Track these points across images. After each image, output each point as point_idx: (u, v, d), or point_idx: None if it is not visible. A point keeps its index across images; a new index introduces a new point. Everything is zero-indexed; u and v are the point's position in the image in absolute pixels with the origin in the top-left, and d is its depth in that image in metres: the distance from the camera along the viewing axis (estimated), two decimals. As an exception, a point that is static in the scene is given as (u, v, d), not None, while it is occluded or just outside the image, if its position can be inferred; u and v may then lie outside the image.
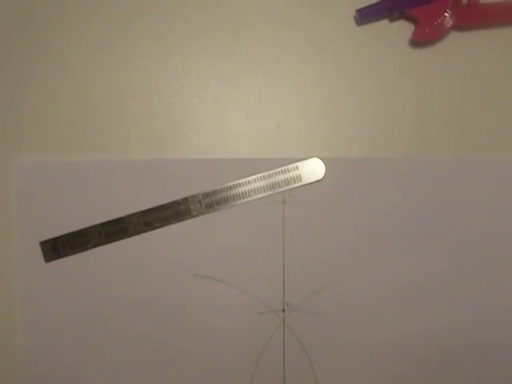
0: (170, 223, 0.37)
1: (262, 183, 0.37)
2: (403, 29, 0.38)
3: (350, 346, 0.37)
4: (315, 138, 0.38)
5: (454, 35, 0.38)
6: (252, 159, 0.37)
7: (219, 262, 0.37)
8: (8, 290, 0.37)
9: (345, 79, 0.38)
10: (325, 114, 0.38)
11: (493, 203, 0.37)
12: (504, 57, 0.38)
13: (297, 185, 0.37)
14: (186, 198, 0.37)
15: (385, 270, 0.37)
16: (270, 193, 0.37)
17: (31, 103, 0.37)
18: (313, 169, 0.37)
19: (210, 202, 0.37)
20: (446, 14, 0.36)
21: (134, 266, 0.37)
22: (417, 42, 0.37)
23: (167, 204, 0.37)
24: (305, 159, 0.37)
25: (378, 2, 0.37)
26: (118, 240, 0.37)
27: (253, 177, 0.37)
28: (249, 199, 0.37)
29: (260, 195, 0.37)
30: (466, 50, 0.38)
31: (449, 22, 0.36)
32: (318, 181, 0.37)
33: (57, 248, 0.37)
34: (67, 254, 0.37)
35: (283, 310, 0.37)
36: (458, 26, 0.37)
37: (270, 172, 0.37)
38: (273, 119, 0.38)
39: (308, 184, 0.37)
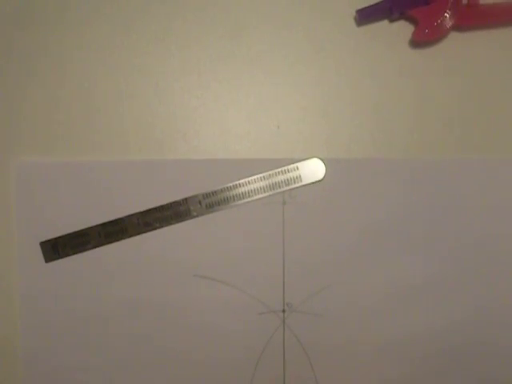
0: (170, 224, 0.37)
1: (262, 184, 0.37)
2: (403, 29, 0.38)
3: (350, 346, 0.37)
4: (315, 138, 0.38)
5: (454, 35, 0.38)
6: (252, 159, 0.37)
7: (219, 262, 0.37)
8: (8, 291, 0.37)
9: (345, 79, 0.38)
10: (325, 115, 0.38)
11: (493, 204, 0.37)
12: (504, 57, 0.38)
13: (297, 185, 0.37)
14: (185, 199, 0.37)
15: (385, 270, 0.37)
16: (270, 193, 0.37)
17: (31, 103, 0.37)
18: (313, 169, 0.37)
19: (210, 202, 0.37)
20: (445, 14, 0.36)
21: (133, 267, 0.37)
22: (417, 42, 0.37)
23: (167, 204, 0.37)
24: (305, 160, 0.37)
25: (378, 3, 0.37)
26: (117, 240, 0.37)
27: (253, 177, 0.37)
28: (249, 200, 0.37)
29: (260, 196, 0.37)
30: (466, 51, 0.38)
31: (448, 23, 0.36)
32: (318, 181, 0.37)
33: (57, 248, 0.37)
34: (67, 255, 0.37)
35: (283, 311, 0.37)
36: (458, 27, 0.37)
37: (270, 172, 0.37)
38: (273, 120, 0.38)
39: (308, 184, 0.37)
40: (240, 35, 0.38)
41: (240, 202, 0.37)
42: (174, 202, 0.37)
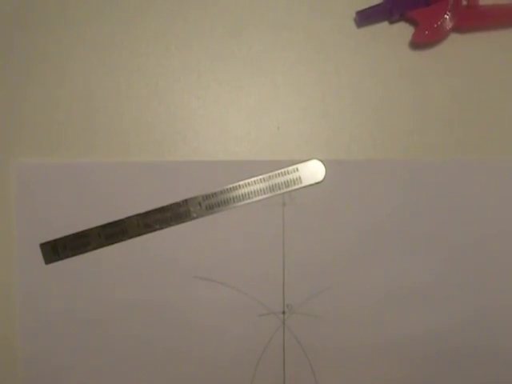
0: (170, 225, 0.37)
1: (261, 185, 0.37)
2: (403, 31, 0.38)
3: (350, 348, 0.38)
4: (315, 139, 0.38)
5: (454, 37, 0.38)
6: (252, 161, 0.37)
7: (219, 263, 0.37)
8: (8, 292, 0.37)
9: (345, 81, 0.38)
10: (325, 116, 0.38)
11: (493, 205, 0.37)
12: (504, 58, 0.38)
13: (297, 187, 0.37)
14: (185, 200, 0.37)
15: (385, 271, 0.37)
16: (269, 195, 0.37)
17: (31, 104, 0.37)
18: (313, 171, 0.37)
19: (210, 203, 0.37)
20: (445, 15, 0.36)
21: (133, 268, 0.37)
22: (417, 43, 0.37)
23: (167, 206, 0.37)
24: (305, 161, 0.37)
25: (378, 4, 0.37)
26: (117, 242, 0.37)
27: (253, 179, 0.37)
28: (249, 201, 0.37)
29: (260, 197, 0.37)
30: (466, 52, 0.38)
31: (449, 24, 0.36)
32: (318, 183, 0.37)
33: (57, 250, 0.37)
34: (67, 256, 0.37)
35: (283, 312, 0.37)
36: (458, 28, 0.37)
37: (270, 174, 0.37)
38: (273, 121, 0.38)
39: (308, 186, 0.37)
40: (240, 36, 0.38)
41: (240, 203, 0.37)
42: (173, 204, 0.37)
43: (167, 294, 0.37)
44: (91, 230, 0.37)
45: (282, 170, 0.37)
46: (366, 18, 0.37)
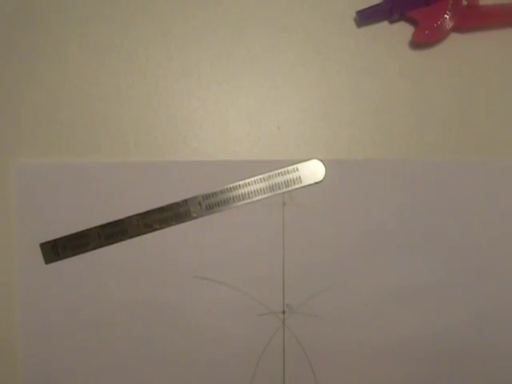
0: (170, 225, 0.37)
1: (261, 185, 0.37)
2: (403, 30, 0.38)
3: (350, 348, 0.38)
4: (315, 139, 0.38)
5: (454, 37, 0.38)
6: (252, 161, 0.37)
7: (219, 263, 0.37)
8: (8, 292, 0.37)
9: (345, 81, 0.38)
10: (325, 116, 0.38)
11: (493, 205, 0.37)
12: (504, 58, 0.38)
13: (297, 186, 0.37)
14: (185, 200, 0.37)
15: (385, 272, 0.37)
16: (269, 194, 0.37)
17: (31, 105, 0.37)
18: (313, 170, 0.37)
19: (210, 203, 0.37)
20: (445, 15, 0.36)
21: (133, 268, 0.37)
22: (417, 43, 0.37)
23: (167, 206, 0.37)
24: (305, 161, 0.37)
25: (378, 4, 0.37)
26: (117, 242, 0.37)
27: (253, 178, 0.37)
28: (249, 201, 0.37)
29: (260, 197, 0.37)
30: (466, 52, 0.38)
31: (449, 24, 0.36)
32: (318, 182, 0.37)
33: (57, 250, 0.37)
34: (67, 256, 0.37)
35: (283, 312, 0.37)
36: (458, 28, 0.37)
37: (270, 174, 0.37)
38: (273, 121, 0.38)
39: (308, 186, 0.37)
40: (240, 36, 0.38)
41: (240, 203, 0.37)
42: (173, 204, 0.37)
43: (167, 294, 0.37)
44: (91, 229, 0.37)
45: (282, 170, 0.37)
46: (365, 17, 0.37)
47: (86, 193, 0.37)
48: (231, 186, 0.37)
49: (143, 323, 0.37)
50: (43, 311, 0.37)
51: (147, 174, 0.37)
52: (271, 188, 0.37)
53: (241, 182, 0.37)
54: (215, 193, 0.37)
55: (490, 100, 0.38)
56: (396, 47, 0.38)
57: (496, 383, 0.38)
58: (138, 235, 0.37)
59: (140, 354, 0.37)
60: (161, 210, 0.37)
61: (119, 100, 0.37)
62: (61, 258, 0.37)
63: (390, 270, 0.37)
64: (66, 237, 0.37)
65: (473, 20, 0.37)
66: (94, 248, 0.37)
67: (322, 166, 0.37)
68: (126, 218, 0.37)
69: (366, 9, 0.37)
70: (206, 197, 0.37)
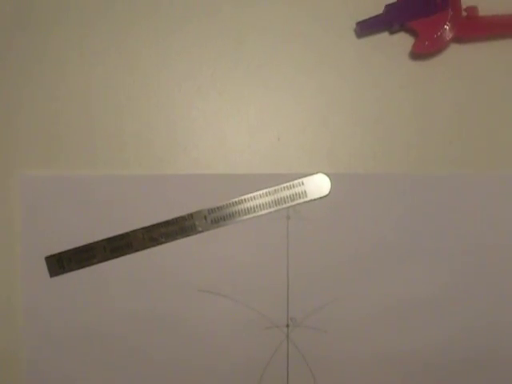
0: (176, 239, 0.37)
1: (267, 199, 0.37)
2: (403, 41, 0.38)
3: (354, 361, 0.38)
4: (316, 150, 0.38)
5: (454, 47, 0.38)
6: (257, 174, 0.37)
7: (224, 277, 0.37)
8: (13, 305, 0.37)
9: (345, 91, 0.38)
10: (325, 127, 0.38)
11: (494, 219, 0.38)
12: (504, 69, 0.38)
13: (302, 200, 0.37)
14: (191, 214, 0.37)
15: (389, 285, 0.37)
16: (275, 208, 0.37)
17: (35, 117, 0.37)
18: (318, 184, 0.37)
19: (216, 217, 0.37)
20: (445, 26, 0.36)
21: (138, 281, 0.37)
22: (417, 54, 0.37)
23: (172, 219, 0.37)
24: (310, 175, 0.37)
25: (379, 15, 0.37)
26: (123, 255, 0.37)
27: (258, 192, 0.37)
28: (254, 215, 0.37)
29: (265, 211, 0.37)
30: (466, 62, 0.38)
31: (448, 35, 0.36)
32: (323, 197, 0.37)
33: (62, 263, 0.37)
34: (72, 269, 0.37)
35: (287, 326, 0.37)
36: (458, 39, 0.37)
37: (276, 188, 0.37)
38: (273, 131, 0.38)
39: (313, 200, 0.37)
40: (240, 47, 0.38)
41: (245, 217, 0.37)
42: (179, 217, 0.37)
43: (172, 307, 0.37)
44: (96, 243, 0.37)
45: (288, 184, 0.37)
46: (366, 28, 0.37)
47: (92, 206, 0.37)
48: (237, 199, 0.37)
49: (148, 336, 0.37)
50: (48, 324, 0.37)
51: (153, 187, 0.37)
52: (277, 202, 0.37)
53: (247, 196, 0.37)
54: (221, 207, 0.37)
55: (491, 111, 0.38)
56: (396, 58, 0.38)
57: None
58: (144, 249, 0.37)
59: (144, 367, 0.37)
60: (166, 223, 0.37)
61: (120, 109, 0.37)
62: (66, 271, 0.37)
63: (394, 283, 0.37)
64: (71, 250, 0.37)
65: (472, 31, 0.37)
66: (100, 261, 0.37)
67: (328, 180, 0.37)
68: (131, 231, 0.37)
69: (366, 20, 0.37)
70: (212, 211, 0.37)
